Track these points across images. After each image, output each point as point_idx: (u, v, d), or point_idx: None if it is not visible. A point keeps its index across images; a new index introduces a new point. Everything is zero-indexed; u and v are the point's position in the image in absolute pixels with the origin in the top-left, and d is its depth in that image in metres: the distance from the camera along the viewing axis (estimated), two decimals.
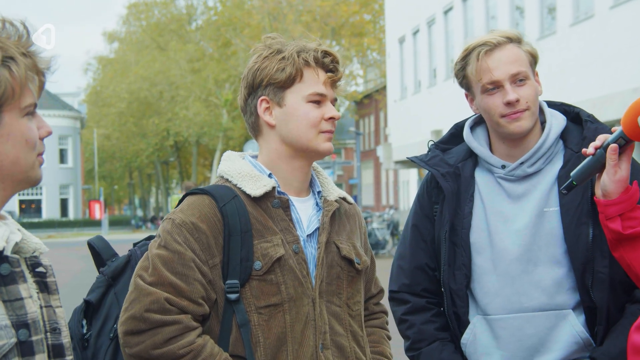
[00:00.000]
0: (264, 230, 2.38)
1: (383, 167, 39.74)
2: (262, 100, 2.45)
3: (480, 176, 2.79)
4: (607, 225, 2.26)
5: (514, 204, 2.71)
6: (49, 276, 1.86)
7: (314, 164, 2.57)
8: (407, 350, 2.88)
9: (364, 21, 39.42)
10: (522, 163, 2.71)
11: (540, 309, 2.64)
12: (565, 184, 2.38)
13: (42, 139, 1.82)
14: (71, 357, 1.88)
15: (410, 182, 38.10)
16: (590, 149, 2.34)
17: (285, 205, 2.44)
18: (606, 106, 15.61)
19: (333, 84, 2.49)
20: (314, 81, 2.44)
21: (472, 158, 2.82)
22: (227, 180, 2.46)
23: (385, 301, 2.86)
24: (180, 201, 2.46)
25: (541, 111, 2.78)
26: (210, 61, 43.00)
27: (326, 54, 2.47)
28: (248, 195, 2.41)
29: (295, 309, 2.36)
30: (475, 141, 2.81)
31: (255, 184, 2.41)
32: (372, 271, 2.70)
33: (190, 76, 42.36)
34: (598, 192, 2.34)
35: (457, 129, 2.92)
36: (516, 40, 2.71)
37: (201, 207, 2.38)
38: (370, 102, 47.98)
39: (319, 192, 2.55)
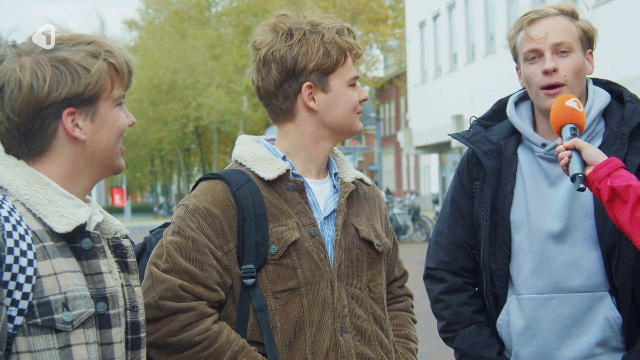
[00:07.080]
0: (279, 213, 2.35)
1: (404, 153, 39.61)
2: (307, 87, 2.39)
3: (522, 154, 2.72)
4: (599, 189, 2.38)
5: (552, 183, 2.64)
6: (129, 256, 1.98)
7: None
8: (442, 331, 2.83)
9: (383, 6, 39.23)
10: None
11: (577, 291, 2.59)
12: (578, 182, 2.39)
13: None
14: (145, 333, 1.99)
15: (431, 167, 37.99)
16: (564, 157, 2.42)
17: (300, 188, 2.40)
18: (629, 89, 15.44)
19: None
20: (350, 64, 2.42)
21: (516, 135, 2.74)
22: (240, 164, 2.43)
23: (411, 283, 2.80)
24: (194, 187, 2.44)
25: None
26: (231, 47, 43.01)
27: (349, 30, 2.43)
28: (262, 179, 2.38)
29: (313, 293, 2.33)
30: (518, 117, 2.74)
31: (268, 167, 2.38)
32: (394, 254, 2.66)
33: (211, 63, 42.36)
34: (587, 171, 2.40)
35: (500, 105, 2.84)
36: (569, 14, 2.65)
37: (214, 192, 2.35)
38: (390, 88, 47.79)
39: (335, 174, 2.51)
